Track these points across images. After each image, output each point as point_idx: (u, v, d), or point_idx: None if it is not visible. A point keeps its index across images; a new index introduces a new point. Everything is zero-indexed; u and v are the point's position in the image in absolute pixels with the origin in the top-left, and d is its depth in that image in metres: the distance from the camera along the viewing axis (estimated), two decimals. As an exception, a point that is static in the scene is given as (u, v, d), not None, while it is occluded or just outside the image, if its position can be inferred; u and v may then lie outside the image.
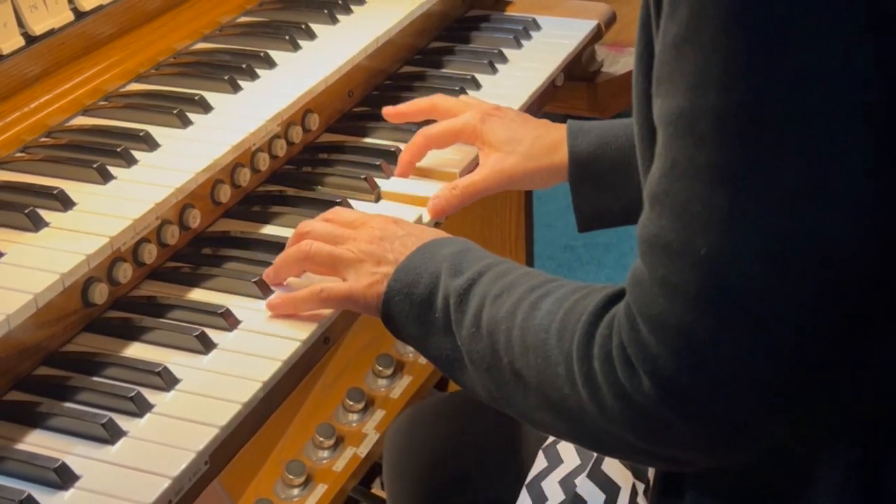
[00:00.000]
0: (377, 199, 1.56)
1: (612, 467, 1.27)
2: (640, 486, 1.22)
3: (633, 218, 1.55)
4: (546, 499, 1.33)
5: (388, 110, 1.64)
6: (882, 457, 1.00)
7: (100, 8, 1.62)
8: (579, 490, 1.27)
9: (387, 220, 1.33)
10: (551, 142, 1.55)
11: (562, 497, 1.31)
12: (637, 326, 0.96)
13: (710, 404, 0.94)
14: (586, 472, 1.29)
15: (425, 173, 1.61)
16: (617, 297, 1.02)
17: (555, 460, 1.36)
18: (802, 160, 0.88)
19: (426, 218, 1.51)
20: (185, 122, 1.51)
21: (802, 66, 0.86)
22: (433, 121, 1.62)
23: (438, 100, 1.63)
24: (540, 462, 1.37)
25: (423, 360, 2.31)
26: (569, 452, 1.35)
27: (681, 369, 0.93)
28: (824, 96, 0.87)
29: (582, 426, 1.04)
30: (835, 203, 0.89)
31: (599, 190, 1.53)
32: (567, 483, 1.32)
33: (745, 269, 0.91)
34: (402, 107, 1.64)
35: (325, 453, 2.10)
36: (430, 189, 1.55)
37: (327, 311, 1.33)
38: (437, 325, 1.18)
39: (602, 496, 1.26)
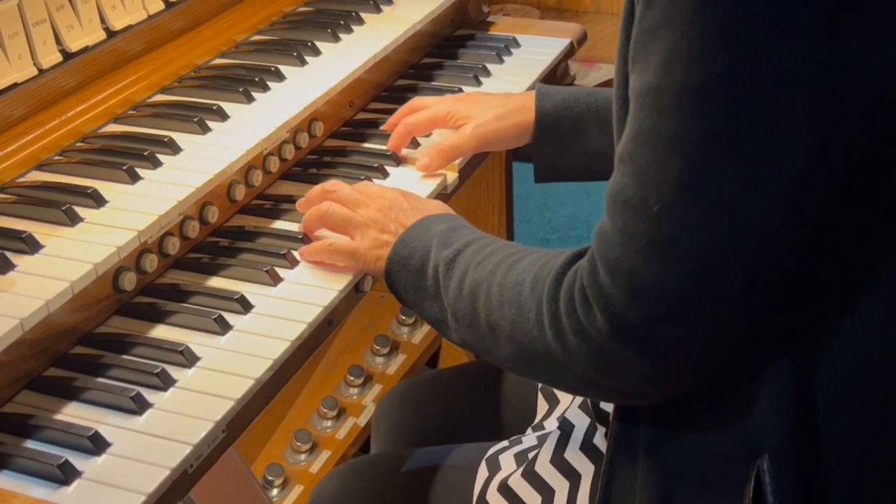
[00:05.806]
0: (385, 176, 1.58)
1: (574, 414, 1.30)
2: (602, 430, 1.24)
3: (583, 176, 1.59)
4: (520, 442, 1.35)
5: (390, 146, 1.63)
6: (810, 363, 0.99)
7: (129, 28, 1.62)
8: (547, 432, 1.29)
9: (398, 193, 1.36)
10: (520, 104, 1.58)
11: (534, 441, 1.34)
12: (596, 270, 0.98)
13: (655, 338, 0.96)
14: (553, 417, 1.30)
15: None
16: (585, 251, 1.05)
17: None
18: (750, 134, 0.89)
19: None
20: (205, 129, 1.51)
21: (753, 51, 0.88)
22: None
23: (415, 100, 1.65)
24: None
25: (415, 340, 2.32)
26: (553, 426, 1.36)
27: (629, 307, 0.96)
28: (773, 79, 0.88)
29: (547, 367, 1.06)
30: (776, 172, 0.90)
31: (558, 147, 1.56)
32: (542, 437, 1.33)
33: (690, 224, 0.92)
34: (396, 132, 1.62)
35: (329, 423, 2.11)
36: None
37: (331, 296, 1.33)
38: (429, 291, 1.21)
39: (557, 433, 1.28)
